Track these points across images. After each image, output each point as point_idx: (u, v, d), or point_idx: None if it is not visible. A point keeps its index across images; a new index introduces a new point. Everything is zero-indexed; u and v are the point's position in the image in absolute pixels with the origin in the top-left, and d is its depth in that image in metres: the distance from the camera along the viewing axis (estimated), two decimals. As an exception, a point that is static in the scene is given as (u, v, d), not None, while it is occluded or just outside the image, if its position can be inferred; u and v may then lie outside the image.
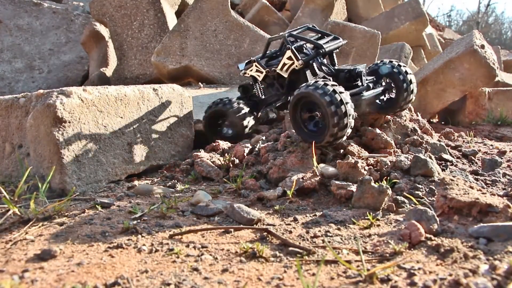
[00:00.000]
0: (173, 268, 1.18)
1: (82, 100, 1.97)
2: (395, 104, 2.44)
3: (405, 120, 2.59)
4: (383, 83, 2.44)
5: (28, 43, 5.86)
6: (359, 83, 2.30)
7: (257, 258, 1.26)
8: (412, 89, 2.41)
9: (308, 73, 2.38)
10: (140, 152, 2.28)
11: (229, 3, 4.32)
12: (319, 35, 2.54)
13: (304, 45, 2.45)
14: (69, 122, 1.91)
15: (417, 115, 2.83)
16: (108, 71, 5.16)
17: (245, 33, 4.29)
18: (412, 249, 1.31)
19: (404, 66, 2.42)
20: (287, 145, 2.22)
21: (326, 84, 1.99)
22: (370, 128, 2.41)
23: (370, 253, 1.30)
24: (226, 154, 2.36)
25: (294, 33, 2.45)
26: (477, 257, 1.21)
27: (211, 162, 2.27)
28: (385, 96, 2.46)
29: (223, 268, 1.19)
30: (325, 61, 2.45)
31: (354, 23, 5.23)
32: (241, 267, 1.20)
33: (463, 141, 2.96)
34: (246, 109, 2.67)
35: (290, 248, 1.32)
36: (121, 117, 2.17)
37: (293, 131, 2.42)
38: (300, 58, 2.30)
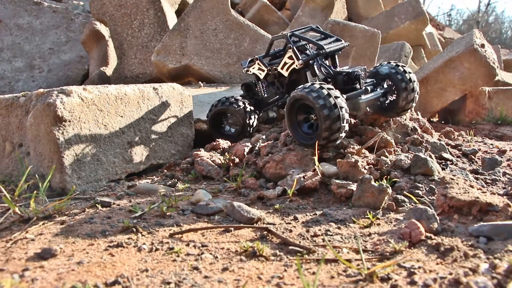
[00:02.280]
0: (173, 267, 1.19)
1: (82, 99, 1.97)
2: (397, 105, 2.39)
3: (405, 119, 2.59)
4: (384, 86, 2.41)
5: (28, 42, 5.85)
6: (358, 86, 2.29)
7: (257, 257, 1.26)
8: (413, 88, 2.36)
9: (308, 73, 2.38)
10: (140, 151, 2.28)
11: (229, 2, 4.31)
12: (322, 36, 2.54)
13: (307, 45, 2.45)
14: (69, 121, 1.91)
15: (417, 114, 2.83)
16: (108, 70, 5.16)
17: (245, 32, 4.29)
18: (412, 248, 1.31)
19: (403, 65, 2.40)
20: (288, 143, 2.22)
21: (321, 87, 1.98)
22: (370, 127, 2.41)
23: (370, 252, 1.30)
24: (226, 153, 2.36)
25: (297, 33, 2.45)
26: (477, 256, 1.21)
27: (211, 161, 2.27)
28: (387, 99, 2.43)
29: (223, 267, 1.19)
30: (326, 62, 2.44)
31: (354, 22, 5.23)
32: (241, 266, 1.20)
33: (463, 140, 2.96)
34: (251, 108, 2.67)
35: (290, 247, 1.32)
36: (121, 116, 2.17)
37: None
38: (300, 58, 2.30)
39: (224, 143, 2.52)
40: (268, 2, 6.84)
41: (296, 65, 2.31)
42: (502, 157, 2.46)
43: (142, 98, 2.29)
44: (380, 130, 2.38)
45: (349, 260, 1.22)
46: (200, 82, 4.07)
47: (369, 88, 2.31)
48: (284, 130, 2.60)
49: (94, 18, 5.17)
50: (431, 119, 4.82)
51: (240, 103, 2.64)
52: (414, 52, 6.39)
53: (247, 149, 2.33)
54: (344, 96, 2.10)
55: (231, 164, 2.25)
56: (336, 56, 2.46)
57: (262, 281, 1.11)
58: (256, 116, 2.72)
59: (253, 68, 2.61)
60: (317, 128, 2.06)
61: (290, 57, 2.34)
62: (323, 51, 2.32)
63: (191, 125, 2.64)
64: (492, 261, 1.16)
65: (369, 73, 2.45)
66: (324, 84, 2.02)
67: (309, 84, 2.05)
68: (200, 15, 4.23)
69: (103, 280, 1.10)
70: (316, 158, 1.99)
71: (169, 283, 1.09)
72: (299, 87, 2.08)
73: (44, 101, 1.89)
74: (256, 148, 2.33)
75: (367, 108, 2.50)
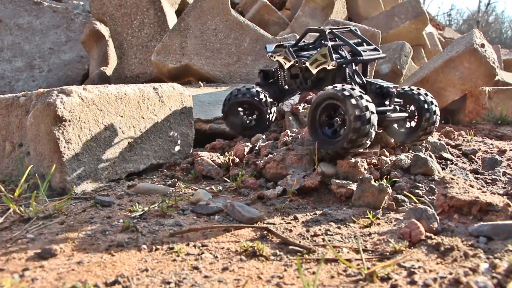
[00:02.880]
0: (173, 267, 1.19)
1: (82, 99, 1.97)
2: (414, 133, 2.28)
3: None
4: (409, 110, 2.30)
5: (28, 42, 5.85)
6: (387, 102, 2.18)
7: (257, 256, 1.26)
8: (435, 121, 2.25)
9: (338, 76, 2.27)
10: (140, 151, 2.28)
11: (229, 2, 4.32)
12: (359, 40, 2.41)
13: (341, 46, 2.31)
14: (69, 121, 1.91)
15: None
16: (108, 70, 5.16)
17: (246, 32, 4.29)
18: (412, 247, 1.31)
19: (431, 97, 2.28)
20: (288, 143, 2.22)
21: (353, 89, 1.91)
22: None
23: (370, 252, 1.30)
24: (226, 153, 2.36)
25: (336, 31, 2.31)
26: (477, 256, 1.21)
27: (211, 161, 2.27)
28: (406, 124, 2.32)
29: (223, 266, 1.19)
30: (357, 68, 2.33)
31: (354, 22, 5.23)
32: (241, 265, 1.20)
33: (463, 140, 2.95)
34: (271, 101, 2.59)
35: (290, 247, 1.32)
36: (121, 116, 2.17)
37: (295, 130, 2.42)
38: (334, 59, 2.16)
39: (224, 143, 2.52)
40: (268, 2, 6.84)
41: (328, 65, 2.17)
42: (502, 157, 2.46)
43: (142, 98, 2.29)
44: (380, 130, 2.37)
45: (349, 260, 1.22)
46: (200, 82, 4.07)
47: (397, 107, 2.21)
48: (284, 129, 2.61)
49: (94, 18, 5.17)
50: (431, 119, 4.81)
51: (262, 95, 2.54)
52: (414, 52, 6.38)
53: (247, 149, 2.33)
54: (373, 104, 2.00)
55: (231, 164, 2.25)
56: (369, 65, 2.35)
57: (262, 280, 1.11)
58: (275, 109, 2.62)
59: (279, 55, 2.44)
60: (338, 131, 1.98)
61: (324, 55, 2.18)
62: (360, 58, 2.21)
63: (191, 124, 2.64)
64: (492, 260, 1.16)
65: (397, 92, 2.32)
66: (365, 94, 1.93)
67: (341, 85, 1.97)
68: (200, 15, 4.23)
69: (103, 279, 1.10)
70: (316, 157, 1.99)
71: (169, 282, 1.09)
72: (329, 86, 1.99)
73: (44, 101, 1.89)
74: (256, 148, 2.33)
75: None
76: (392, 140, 2.31)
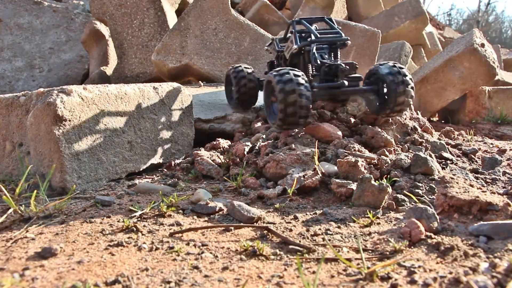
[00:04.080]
0: (174, 266, 1.19)
1: (83, 99, 1.97)
2: (385, 106, 2.35)
3: (405, 119, 2.59)
4: (379, 85, 2.36)
5: (29, 41, 5.85)
6: (337, 79, 2.31)
7: (257, 256, 1.26)
8: (404, 90, 2.27)
9: (305, 60, 2.50)
10: (140, 151, 2.28)
11: (229, 2, 4.32)
12: (329, 28, 2.60)
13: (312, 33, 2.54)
14: (70, 120, 1.91)
15: (417, 114, 2.83)
16: (109, 70, 5.16)
17: (246, 32, 4.29)
18: (412, 247, 1.31)
19: (400, 67, 2.32)
20: (288, 143, 2.22)
21: (288, 73, 2.12)
22: (370, 126, 2.41)
23: (370, 251, 1.30)
24: (226, 153, 2.36)
25: (307, 21, 2.55)
26: (477, 255, 1.21)
27: (212, 160, 2.27)
28: (379, 97, 2.40)
29: (224, 266, 1.19)
30: (326, 53, 2.46)
31: (355, 21, 5.23)
32: (241, 265, 1.20)
33: (463, 140, 2.95)
34: None
35: (290, 246, 1.32)
36: (121, 116, 2.17)
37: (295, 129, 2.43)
38: (298, 43, 2.41)
39: (224, 143, 2.52)
40: (268, 2, 6.84)
41: (292, 50, 2.45)
42: (502, 157, 2.47)
43: (142, 98, 2.29)
44: (380, 130, 2.38)
45: (349, 259, 1.22)
46: (200, 82, 4.07)
47: (346, 82, 2.29)
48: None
49: (94, 17, 5.17)
50: (431, 119, 4.83)
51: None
52: (414, 52, 6.39)
53: (247, 149, 2.33)
54: (319, 84, 2.24)
55: (231, 164, 2.25)
56: (339, 50, 2.49)
57: (262, 280, 1.11)
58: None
59: (271, 48, 2.82)
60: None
61: (291, 42, 2.47)
62: (316, 39, 2.41)
63: (191, 124, 2.65)
64: (492, 260, 1.16)
65: (369, 71, 2.46)
66: (297, 71, 2.15)
67: (280, 68, 2.19)
68: (200, 15, 4.23)
69: (103, 279, 1.10)
70: (316, 157, 1.99)
71: (169, 282, 1.09)
72: (273, 70, 2.23)
73: (44, 100, 1.89)
74: (256, 148, 2.33)
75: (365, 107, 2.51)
76: (393, 141, 2.31)
